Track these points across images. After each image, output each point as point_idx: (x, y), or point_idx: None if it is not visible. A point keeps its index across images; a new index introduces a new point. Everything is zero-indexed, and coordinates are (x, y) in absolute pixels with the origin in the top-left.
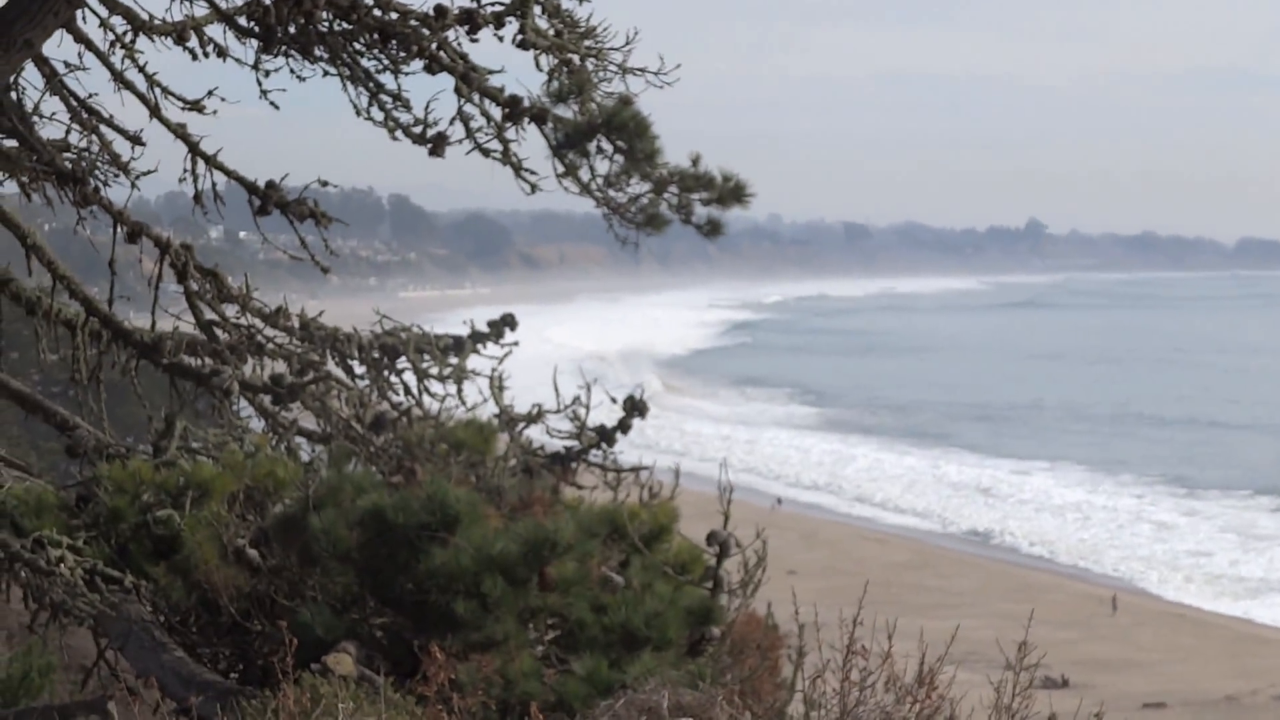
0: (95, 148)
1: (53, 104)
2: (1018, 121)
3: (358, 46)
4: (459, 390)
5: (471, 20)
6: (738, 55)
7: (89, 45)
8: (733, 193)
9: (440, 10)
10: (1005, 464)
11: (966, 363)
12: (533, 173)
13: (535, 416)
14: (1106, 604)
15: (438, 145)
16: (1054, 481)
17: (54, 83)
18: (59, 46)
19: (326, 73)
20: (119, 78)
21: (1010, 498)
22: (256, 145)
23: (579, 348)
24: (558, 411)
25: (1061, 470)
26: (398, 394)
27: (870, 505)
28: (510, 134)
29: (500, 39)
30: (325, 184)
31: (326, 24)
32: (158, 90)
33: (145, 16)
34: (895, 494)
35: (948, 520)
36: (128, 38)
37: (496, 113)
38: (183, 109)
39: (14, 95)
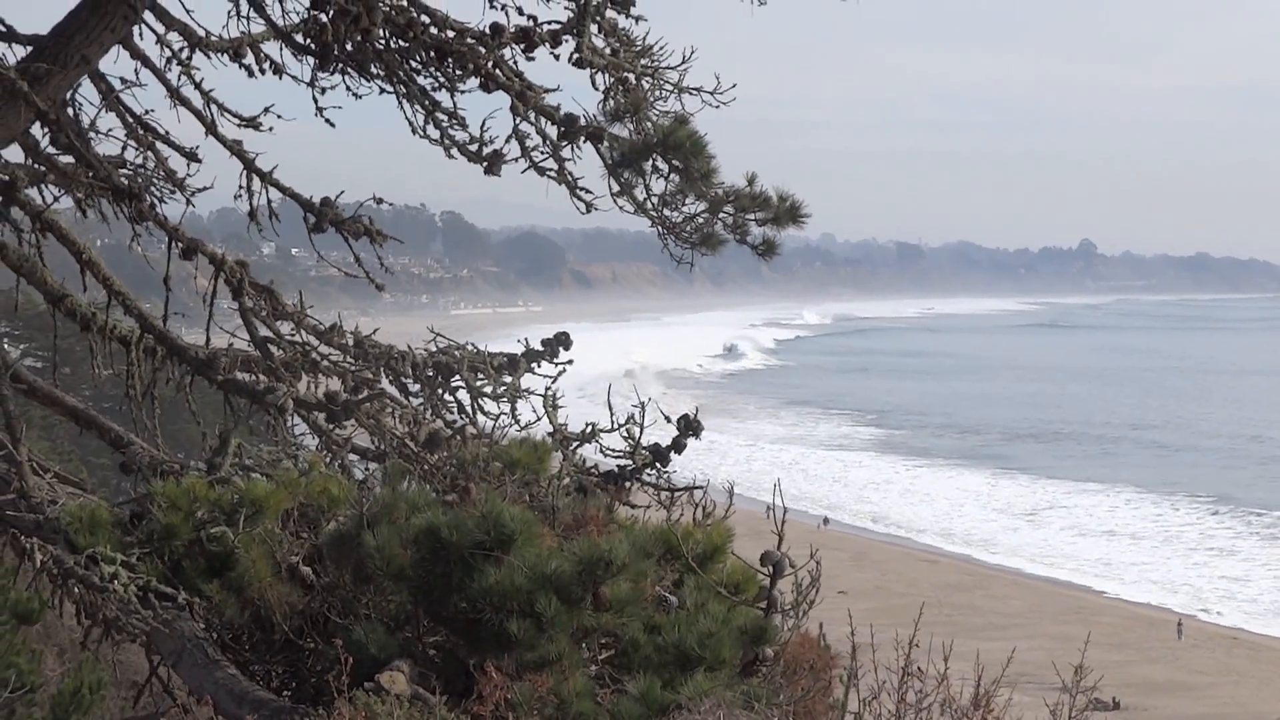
0: (151, 164)
1: (109, 120)
2: (1072, 141)
3: (414, 64)
4: (513, 409)
5: (528, 38)
6: (792, 75)
7: (145, 62)
8: (788, 213)
9: (496, 28)
10: (1058, 485)
11: (1020, 384)
12: (588, 191)
13: (589, 435)
14: (1159, 626)
15: (494, 163)
16: (1106, 503)
17: (110, 99)
18: (115, 63)
19: (383, 90)
20: (175, 94)
21: (1062, 519)
22: (311, 162)
23: (634, 365)
24: (611, 430)
25: (1114, 492)
26: (452, 412)
27: (920, 526)
28: (566, 152)
29: (556, 57)
30: (380, 201)
31: (383, 42)
32: (214, 107)
33: (202, 33)
34: (946, 514)
35: (999, 541)
36: (184, 54)
37: (552, 131)
38: (238, 126)
39: (71, 111)
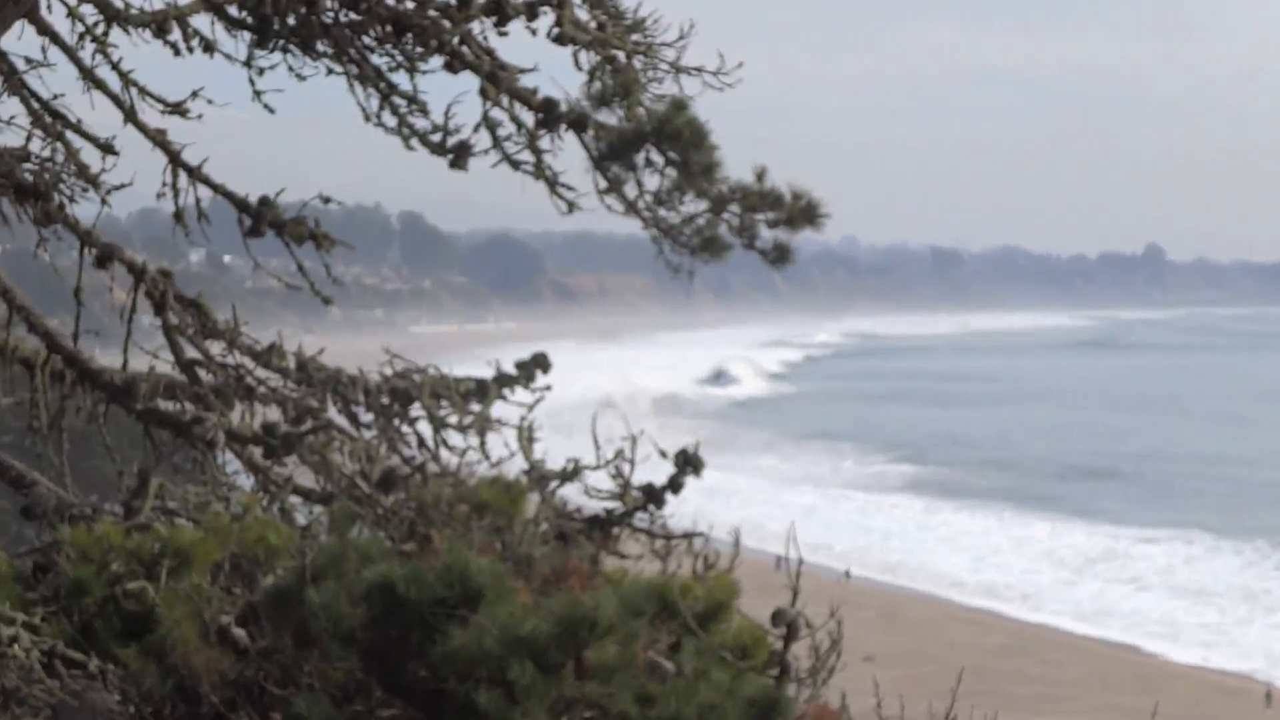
0: (60, 157)
1: (11, 106)
2: (1136, 131)
3: (367, 40)
4: (482, 442)
5: (500, 10)
6: (810, 53)
7: (54, 38)
8: (804, 213)
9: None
10: (1120, 531)
11: (1075, 413)
12: (570, 188)
13: (571, 473)
14: (1240, 696)
15: (460, 156)
16: (1177, 551)
17: (13, 81)
18: (19, 40)
19: (331, 71)
20: (89, 76)
21: (1125, 571)
22: (247, 155)
23: (624, 391)
24: (597, 467)
25: (1185, 539)
26: (410, 446)
27: (959, 579)
28: (544, 143)
29: (533, 32)
30: (327, 200)
31: (332, 14)
32: (133, 90)
33: (120, 5)
34: (990, 566)
35: (1052, 597)
36: (99, 29)
37: (528, 118)
38: (162, 112)
39: None
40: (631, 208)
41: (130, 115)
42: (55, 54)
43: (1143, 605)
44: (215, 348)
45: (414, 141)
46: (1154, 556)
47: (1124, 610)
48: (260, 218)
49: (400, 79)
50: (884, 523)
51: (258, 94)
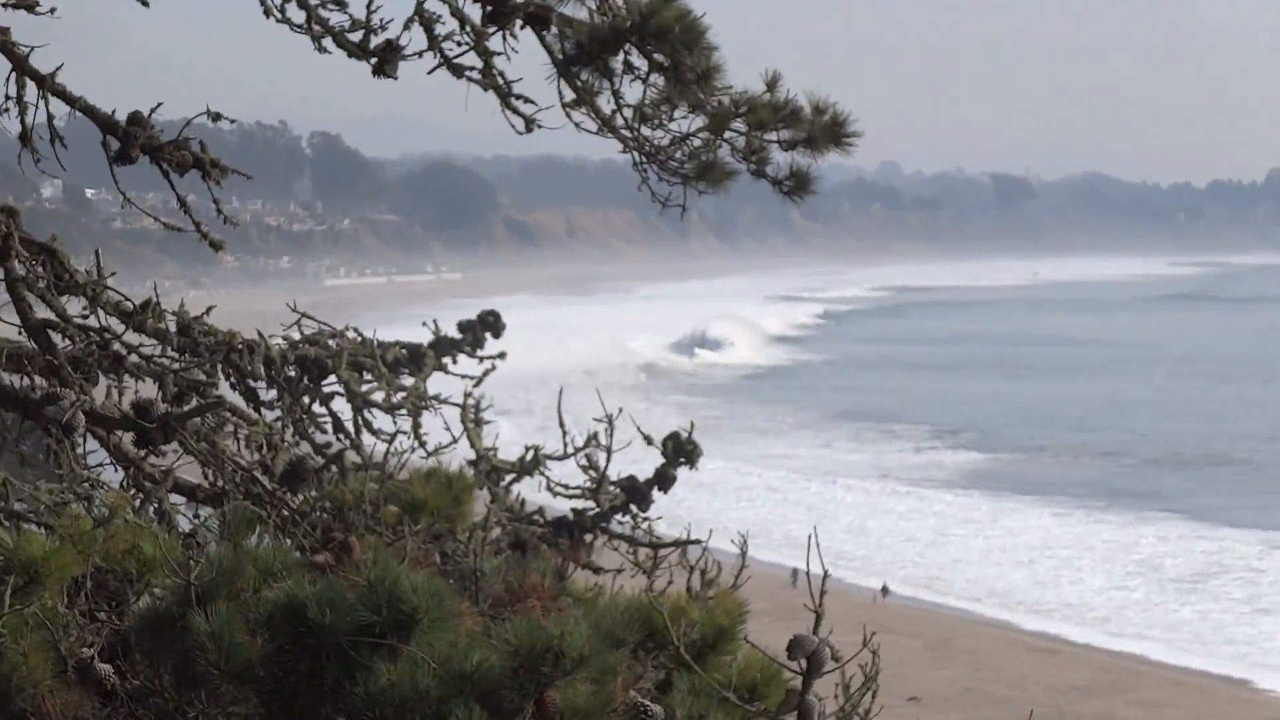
0: None
1: None
2: (1256, 23)
3: None
4: (415, 425)
5: None
6: None
7: None
8: (827, 131)
9: None
10: (1236, 537)
11: (1178, 384)
12: (529, 101)
13: (531, 464)
14: None
15: (386, 60)
16: None
17: None
18: None
19: None
20: None
21: (1243, 589)
22: (115, 61)
23: (596, 361)
24: (565, 456)
25: None
26: (324, 431)
27: (1029, 597)
28: (495, 43)
29: None
30: (217, 117)
31: None
32: None
33: None
34: (1069, 581)
35: (1148, 621)
36: None
37: (474, 11)
38: (4, 5)
39: None
40: (607, 125)
41: None
42: None
43: (1266, 630)
44: (74, 306)
45: (328, 42)
46: (1278, 569)
47: (1239, 637)
48: (131, 140)
49: None
50: (933, 526)
51: None
